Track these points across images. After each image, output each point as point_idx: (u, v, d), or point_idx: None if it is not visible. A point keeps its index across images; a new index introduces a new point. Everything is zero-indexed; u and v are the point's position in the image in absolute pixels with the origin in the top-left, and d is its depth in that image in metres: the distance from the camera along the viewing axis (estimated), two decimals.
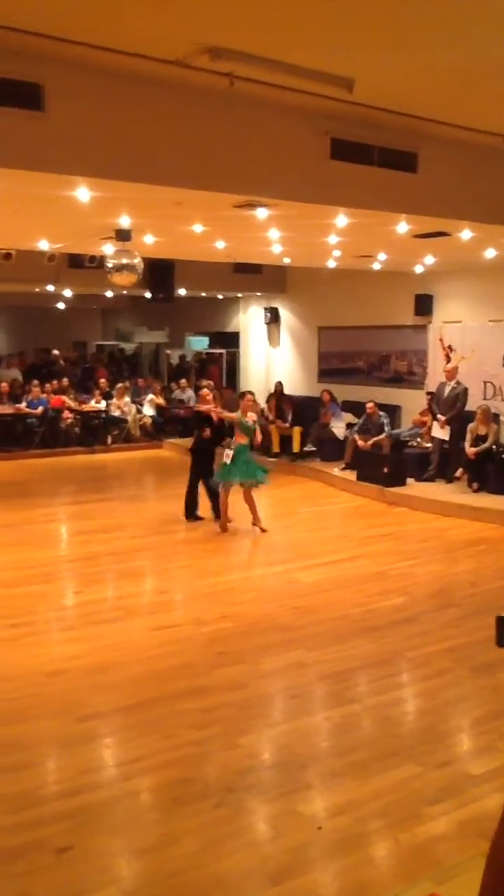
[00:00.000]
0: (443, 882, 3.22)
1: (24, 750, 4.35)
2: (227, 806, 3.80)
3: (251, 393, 10.02)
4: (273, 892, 3.19)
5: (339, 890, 3.24)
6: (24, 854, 3.42)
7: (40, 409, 15.65)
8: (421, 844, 3.50)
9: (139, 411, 16.88)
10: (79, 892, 3.19)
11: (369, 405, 12.55)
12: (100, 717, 4.76)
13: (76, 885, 3.23)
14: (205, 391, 9.98)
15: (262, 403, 15.45)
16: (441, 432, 11.43)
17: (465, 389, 11.46)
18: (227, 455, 9.05)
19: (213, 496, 9.50)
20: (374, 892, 3.19)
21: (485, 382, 12.09)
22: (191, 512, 9.74)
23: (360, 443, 12.24)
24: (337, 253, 11.02)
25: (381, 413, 12.50)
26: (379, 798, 3.86)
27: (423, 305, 13.45)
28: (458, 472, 11.26)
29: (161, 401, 17.16)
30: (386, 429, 12.31)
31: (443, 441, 11.48)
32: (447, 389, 11.53)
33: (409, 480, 11.44)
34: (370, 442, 12.19)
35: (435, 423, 11.60)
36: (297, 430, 13.83)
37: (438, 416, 11.47)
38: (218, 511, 9.40)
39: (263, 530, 9.20)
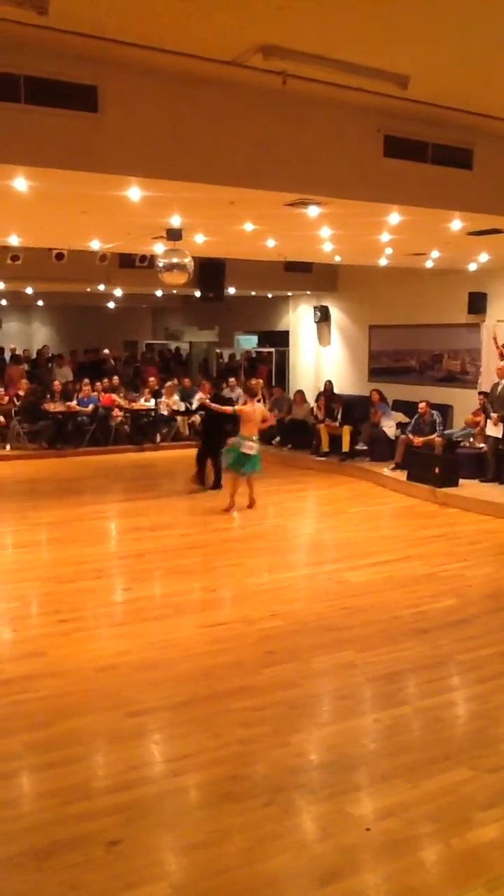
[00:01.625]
0: (495, 889, 3.18)
1: (75, 744, 4.40)
2: (276, 805, 3.79)
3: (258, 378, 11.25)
4: (322, 893, 3.18)
5: (388, 893, 3.21)
6: (76, 846, 3.46)
7: (91, 407, 15.84)
8: (473, 850, 3.45)
9: (188, 410, 16.95)
10: (129, 885, 3.21)
11: (421, 405, 12.42)
12: (149, 713, 4.79)
13: (126, 878, 3.26)
14: (254, 381, 11.41)
15: (312, 402, 15.44)
16: (495, 430, 11.26)
17: None
18: (251, 447, 9.70)
19: (220, 472, 10.97)
20: None
21: None
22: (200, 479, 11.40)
23: (416, 441, 12.11)
24: (389, 251, 10.94)
25: (434, 412, 12.36)
26: (429, 801, 3.82)
27: (477, 303, 13.27)
28: None
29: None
30: (438, 428, 12.18)
31: (497, 440, 11.31)
32: (500, 387, 11.36)
33: (462, 481, 11.29)
34: (421, 440, 12.07)
35: (489, 421, 11.43)
36: (346, 430, 13.75)
37: (493, 413, 11.31)
38: (220, 484, 10.88)
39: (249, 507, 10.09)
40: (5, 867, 3.36)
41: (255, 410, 10.06)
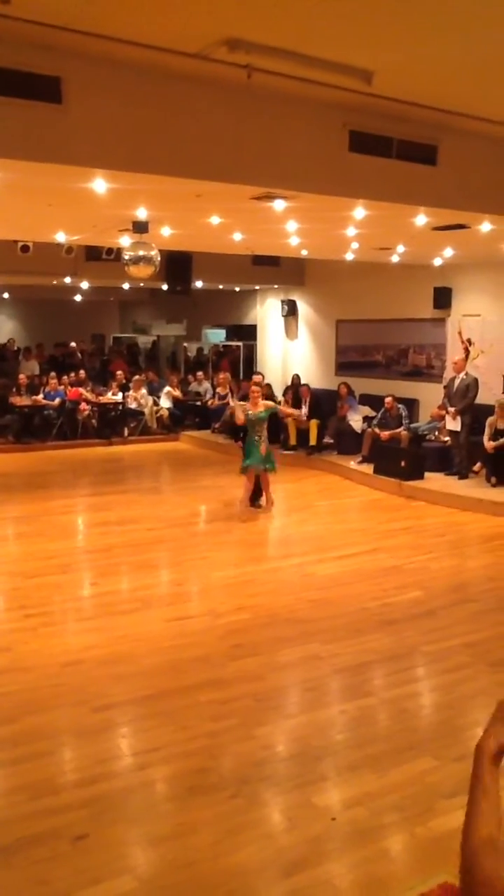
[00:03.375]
0: (457, 877, 3.22)
1: (41, 739, 4.39)
2: (242, 797, 3.81)
3: (257, 380, 10.72)
4: (288, 883, 3.21)
5: (353, 882, 3.25)
6: (43, 841, 3.46)
7: (58, 400, 15.72)
8: (437, 838, 3.50)
9: (156, 403, 16.92)
10: (95, 879, 3.22)
11: (388, 399, 12.50)
12: (116, 707, 4.79)
13: (93, 872, 3.26)
14: (254, 388, 10.56)
15: (280, 396, 15.46)
16: (454, 424, 11.38)
17: (476, 380, 11.37)
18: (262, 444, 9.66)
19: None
20: (388, 885, 3.20)
21: None
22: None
23: (382, 435, 12.18)
24: (355, 245, 10.98)
25: (400, 406, 12.45)
26: (395, 791, 3.87)
27: (442, 298, 13.38)
28: (477, 467, 11.22)
29: (178, 393, 17.19)
30: (404, 422, 12.27)
31: (458, 434, 11.43)
32: (457, 381, 11.47)
33: (427, 474, 11.39)
34: (387, 434, 12.15)
35: (447, 416, 11.55)
36: (314, 423, 13.80)
37: (449, 408, 11.43)
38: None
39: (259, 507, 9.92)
40: None
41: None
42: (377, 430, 12.39)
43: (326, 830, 3.57)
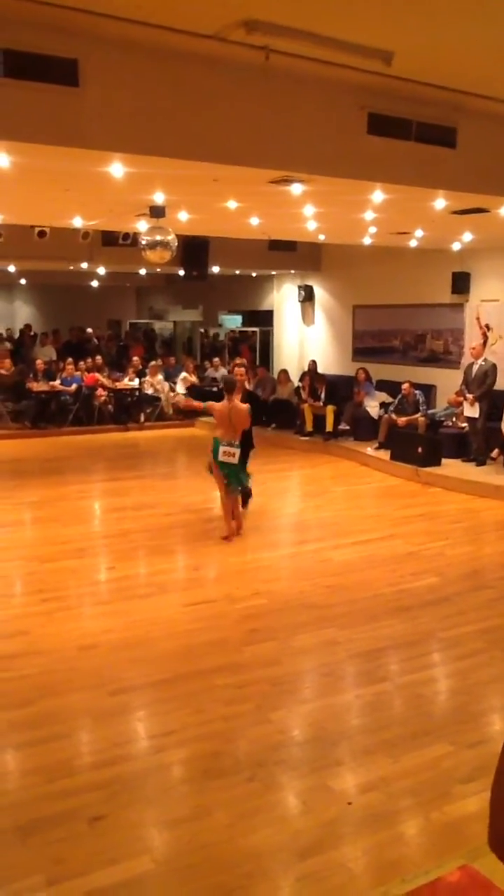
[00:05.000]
0: (473, 861, 3.21)
1: (58, 722, 4.42)
2: (258, 780, 3.83)
3: (240, 366, 9.31)
4: (303, 866, 3.22)
5: (368, 865, 3.26)
6: (60, 822, 3.49)
7: (74, 386, 15.76)
8: (452, 823, 3.50)
9: (172, 389, 16.92)
10: (112, 860, 3.24)
11: (405, 385, 12.44)
12: (132, 690, 4.81)
13: (109, 853, 3.28)
14: (240, 369, 9.24)
15: (296, 382, 15.43)
16: (472, 410, 11.32)
17: (494, 366, 11.28)
18: (231, 454, 7.75)
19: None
20: (403, 869, 3.20)
21: None
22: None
23: (399, 421, 12.13)
24: (373, 230, 10.89)
25: (417, 392, 12.40)
26: (410, 776, 3.87)
27: (461, 283, 13.26)
28: (494, 453, 11.15)
29: (194, 379, 17.18)
30: (421, 408, 12.21)
31: (476, 420, 11.36)
32: (475, 367, 11.39)
33: (444, 461, 11.34)
34: (404, 420, 12.10)
35: (465, 402, 11.49)
36: (330, 409, 13.77)
37: (467, 394, 11.36)
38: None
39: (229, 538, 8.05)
40: None
41: (233, 409, 7.85)
42: (394, 416, 12.34)
43: (342, 814, 3.58)
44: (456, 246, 12.49)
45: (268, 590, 6.61)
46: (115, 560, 7.57)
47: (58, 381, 15.88)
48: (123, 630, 5.73)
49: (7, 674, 5.00)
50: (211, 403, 8.13)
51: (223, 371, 17.51)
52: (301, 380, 15.10)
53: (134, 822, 3.53)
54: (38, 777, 3.87)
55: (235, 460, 7.72)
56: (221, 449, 7.77)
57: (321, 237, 12.68)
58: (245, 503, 8.78)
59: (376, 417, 13.25)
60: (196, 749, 4.13)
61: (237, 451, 7.72)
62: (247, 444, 8.30)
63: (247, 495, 8.79)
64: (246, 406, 7.98)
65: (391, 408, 12.69)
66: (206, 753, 4.08)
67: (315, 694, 4.91)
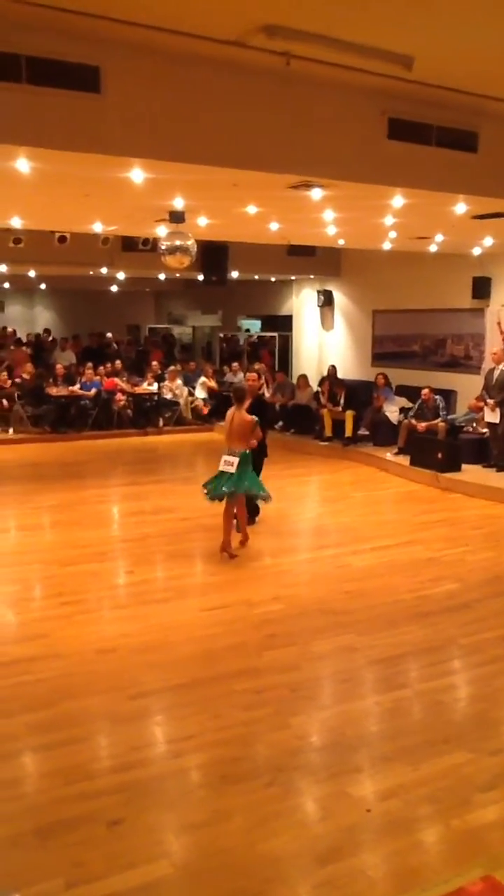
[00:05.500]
0: (494, 869, 3.19)
1: (76, 725, 4.43)
2: (276, 785, 3.81)
3: (255, 371, 9.26)
4: (322, 872, 3.20)
5: (388, 872, 3.24)
6: (78, 825, 3.50)
7: (93, 391, 15.82)
8: (472, 831, 3.47)
9: (191, 394, 16.96)
10: (130, 863, 3.24)
11: (425, 391, 12.39)
12: (151, 694, 4.82)
13: (128, 856, 3.28)
14: (252, 374, 9.09)
15: (315, 387, 15.42)
16: (493, 416, 11.26)
17: None
18: (230, 462, 7.54)
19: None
20: (423, 877, 3.18)
21: None
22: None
23: (419, 426, 12.09)
24: (393, 234, 10.87)
25: (437, 397, 12.34)
26: (429, 783, 3.84)
27: (481, 288, 13.20)
28: None
29: (213, 384, 17.21)
30: (441, 413, 12.16)
31: (497, 426, 11.30)
32: (496, 373, 11.33)
33: (465, 466, 11.28)
34: (424, 425, 12.05)
35: (486, 407, 11.43)
36: (349, 415, 13.74)
37: (488, 399, 11.30)
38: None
39: (232, 556, 7.63)
40: (8, 846, 3.39)
41: (235, 418, 7.66)
42: (413, 421, 12.30)
43: (361, 821, 3.56)
44: (476, 250, 12.43)
45: (286, 595, 6.60)
46: (133, 564, 7.59)
47: (77, 386, 15.95)
48: (142, 634, 5.74)
49: (27, 676, 5.02)
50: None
51: (241, 376, 17.54)
52: (320, 385, 15.08)
53: (152, 826, 3.53)
54: (56, 780, 3.88)
55: (233, 469, 7.48)
56: (222, 458, 7.61)
57: (341, 242, 12.66)
58: (252, 519, 8.57)
59: (396, 423, 13.21)
60: (214, 754, 4.13)
61: (237, 461, 7.47)
62: (260, 454, 8.21)
63: (254, 511, 8.66)
64: (250, 418, 7.66)
65: (411, 413, 12.64)
66: (225, 758, 4.07)
67: (334, 700, 4.89)
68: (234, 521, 7.84)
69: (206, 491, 7.73)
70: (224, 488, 7.51)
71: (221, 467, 7.60)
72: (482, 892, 1.58)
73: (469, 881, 2.52)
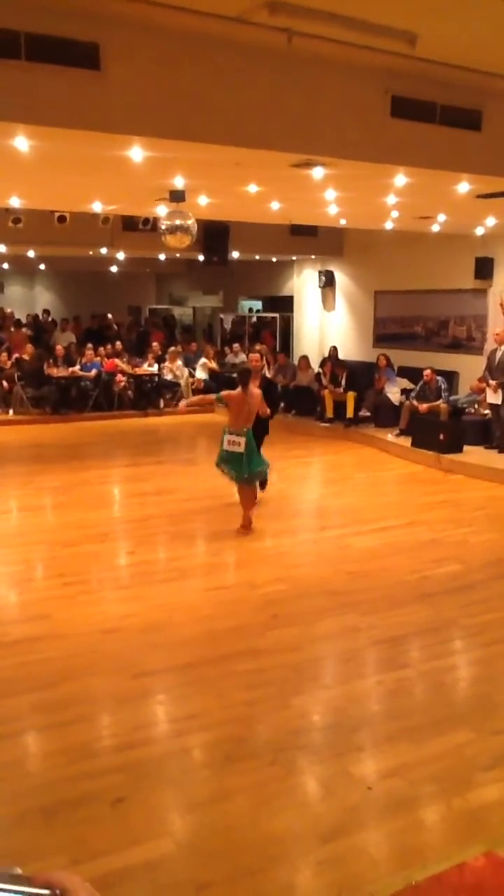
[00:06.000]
0: (495, 848, 3.21)
1: (80, 705, 4.45)
2: (278, 765, 3.83)
3: (256, 352, 9.26)
4: (325, 850, 3.23)
5: (390, 850, 3.26)
6: (82, 803, 3.52)
7: (94, 372, 15.80)
8: (473, 810, 3.49)
9: (192, 375, 16.92)
10: (134, 841, 3.26)
11: (427, 371, 12.35)
12: (154, 674, 4.83)
13: (132, 834, 3.31)
14: (254, 356, 9.08)
15: (316, 368, 15.38)
16: (495, 397, 11.24)
17: None
18: (236, 442, 7.59)
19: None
20: (424, 855, 3.20)
21: None
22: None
23: (421, 408, 12.07)
24: (395, 214, 10.79)
25: (439, 378, 12.31)
26: (432, 763, 3.86)
27: (484, 269, 13.13)
28: None
29: (214, 365, 17.17)
30: (443, 395, 12.13)
31: (499, 407, 11.28)
32: (499, 354, 11.30)
33: (467, 448, 11.27)
34: (426, 406, 12.03)
35: (488, 388, 11.40)
36: (351, 396, 13.72)
37: (490, 381, 11.27)
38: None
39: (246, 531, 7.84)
40: (13, 824, 3.41)
41: (249, 396, 7.70)
42: (415, 402, 12.27)
43: (363, 799, 3.58)
44: (479, 231, 12.35)
45: (289, 576, 6.61)
46: (136, 545, 7.60)
47: (78, 367, 15.91)
48: (145, 614, 5.75)
49: (30, 656, 5.04)
50: (226, 393, 7.97)
51: (242, 357, 17.50)
52: (322, 366, 15.04)
53: (155, 805, 3.55)
54: (60, 759, 3.90)
55: (242, 449, 7.57)
56: (227, 438, 7.65)
57: (342, 222, 12.58)
58: (262, 486, 8.73)
59: (397, 404, 13.19)
60: (217, 733, 4.15)
61: (243, 440, 7.55)
62: (261, 430, 8.26)
63: (264, 481, 8.73)
64: (259, 391, 7.84)
65: (413, 394, 12.62)
66: (228, 738, 4.09)
67: (336, 680, 4.91)
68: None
69: (225, 471, 7.83)
70: (245, 475, 7.70)
71: (227, 447, 7.64)
72: (484, 868, 1.59)
73: (471, 857, 2.54)
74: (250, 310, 21.29)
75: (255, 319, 20.67)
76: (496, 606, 5.95)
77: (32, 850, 3.23)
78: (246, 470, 7.65)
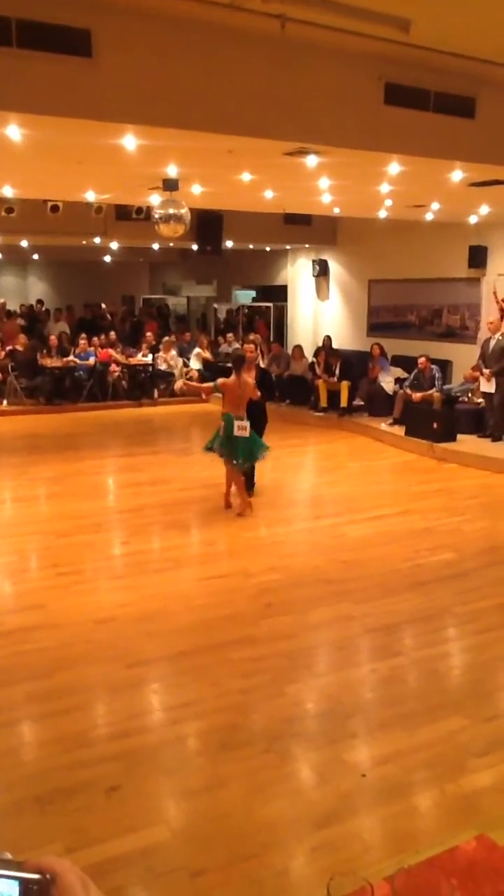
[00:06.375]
0: (488, 832, 3.23)
1: (75, 694, 4.46)
2: (273, 752, 3.85)
3: (251, 342, 9.57)
4: (318, 836, 3.24)
5: (383, 836, 3.28)
6: (77, 792, 3.53)
7: (91, 360, 15.75)
8: (466, 796, 3.51)
9: (186, 365, 16.89)
10: (130, 828, 3.28)
11: (421, 360, 12.35)
12: (149, 663, 4.84)
13: (127, 822, 3.32)
14: (249, 346, 9.11)
15: (310, 358, 15.36)
16: (488, 386, 11.25)
17: None
18: (244, 427, 7.88)
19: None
20: (418, 840, 3.22)
21: None
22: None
23: (415, 396, 12.07)
24: (389, 203, 10.77)
25: (434, 367, 12.32)
26: (425, 749, 3.88)
27: (477, 257, 13.12)
28: None
29: (208, 354, 17.14)
30: (437, 384, 12.14)
31: (492, 396, 11.30)
32: (492, 343, 11.30)
33: (460, 436, 11.29)
34: (420, 395, 12.04)
35: (482, 377, 11.41)
36: (345, 385, 13.71)
37: (484, 369, 11.28)
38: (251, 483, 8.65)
39: (240, 513, 8.07)
40: (8, 812, 3.42)
41: (243, 384, 7.95)
42: (409, 391, 12.28)
43: (357, 786, 3.59)
44: (473, 219, 12.34)
45: (283, 565, 6.62)
46: (130, 535, 7.60)
47: (71, 357, 15.87)
48: (139, 604, 5.76)
49: (25, 646, 5.04)
50: (222, 381, 8.12)
51: (237, 346, 17.46)
52: (316, 355, 15.02)
53: (150, 793, 3.56)
54: (56, 748, 3.91)
55: (248, 433, 7.89)
56: (237, 424, 7.86)
57: (336, 210, 12.55)
58: (250, 487, 8.60)
59: (391, 393, 13.20)
60: (212, 721, 4.16)
61: (248, 424, 7.90)
62: (262, 418, 8.47)
63: (251, 480, 8.66)
64: (251, 380, 8.11)
65: (407, 383, 12.62)
66: (222, 725, 4.11)
67: (330, 668, 4.93)
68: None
69: (236, 462, 8.01)
70: (255, 460, 8.16)
71: (238, 433, 7.90)
72: (476, 851, 1.60)
73: (463, 841, 2.56)
74: (242, 306, 21.24)
75: (247, 310, 20.63)
76: (489, 594, 5.98)
77: (28, 839, 3.24)
78: (258, 453, 8.13)
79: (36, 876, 0.79)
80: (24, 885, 0.78)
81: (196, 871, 3.05)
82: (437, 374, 12.23)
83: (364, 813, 3.42)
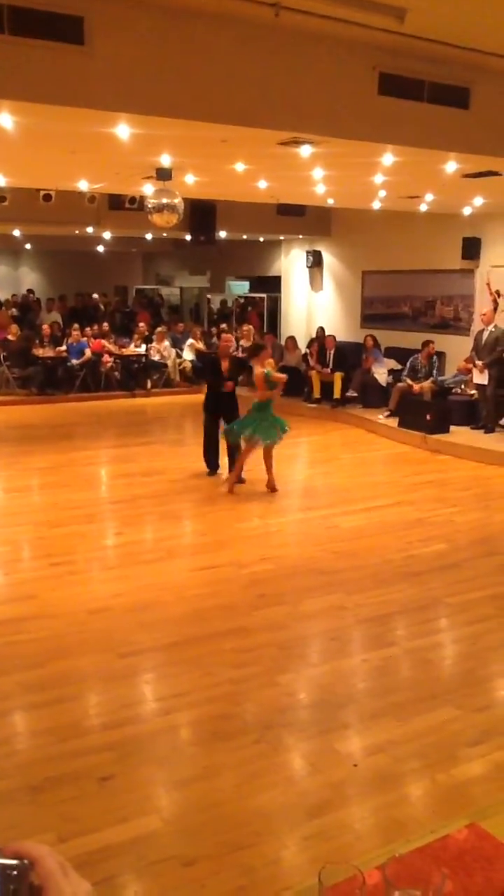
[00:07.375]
0: (478, 822, 3.25)
1: (68, 684, 4.46)
2: (265, 742, 3.86)
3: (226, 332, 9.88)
4: (310, 825, 3.26)
5: (374, 825, 3.29)
6: (69, 781, 3.53)
7: (87, 353, 15.71)
8: (458, 785, 3.53)
9: (179, 356, 16.86)
10: (122, 818, 3.28)
11: (431, 346, 12.29)
12: (142, 653, 4.85)
13: (120, 811, 3.33)
14: (226, 335, 9.54)
15: (303, 349, 15.35)
16: (481, 377, 11.27)
17: None
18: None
19: (233, 450, 8.87)
20: (409, 829, 3.23)
21: None
22: (214, 465, 9.41)
23: (415, 388, 12.05)
24: (382, 193, 10.75)
25: (434, 357, 12.34)
26: (416, 739, 3.90)
27: (471, 249, 13.11)
28: None
29: (201, 345, 17.10)
30: (434, 373, 12.16)
31: (485, 387, 11.31)
32: (486, 334, 11.31)
33: (453, 428, 11.30)
34: (419, 387, 12.02)
35: (475, 369, 11.42)
36: (338, 376, 13.70)
37: (477, 361, 11.29)
38: (233, 465, 8.81)
39: (275, 490, 8.59)
40: (1, 801, 3.43)
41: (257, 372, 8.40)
42: (408, 380, 12.23)
43: (348, 776, 3.61)
44: (467, 210, 12.33)
45: (276, 555, 6.63)
46: (123, 525, 7.60)
47: (63, 347, 15.81)
48: (132, 594, 5.76)
49: (18, 636, 5.04)
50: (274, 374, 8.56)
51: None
52: (309, 346, 15.01)
53: (143, 782, 3.57)
54: (48, 737, 3.91)
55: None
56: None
57: (330, 201, 12.52)
58: (232, 466, 8.84)
59: (384, 384, 13.19)
60: (204, 711, 4.17)
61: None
62: (233, 405, 9.09)
63: (234, 459, 8.86)
64: (259, 369, 8.39)
65: (403, 373, 12.59)
66: (215, 715, 4.12)
67: (322, 658, 4.94)
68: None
69: (254, 439, 8.42)
70: (270, 440, 8.45)
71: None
72: (467, 840, 1.61)
73: (455, 829, 2.57)
74: (237, 298, 21.20)
75: (241, 301, 20.59)
76: (481, 584, 6.00)
77: (20, 828, 3.24)
78: (282, 432, 8.47)
79: (14, 861, 0.79)
80: (2, 871, 0.78)
81: (188, 860, 3.06)
82: (435, 364, 12.27)
83: (356, 802, 3.43)
